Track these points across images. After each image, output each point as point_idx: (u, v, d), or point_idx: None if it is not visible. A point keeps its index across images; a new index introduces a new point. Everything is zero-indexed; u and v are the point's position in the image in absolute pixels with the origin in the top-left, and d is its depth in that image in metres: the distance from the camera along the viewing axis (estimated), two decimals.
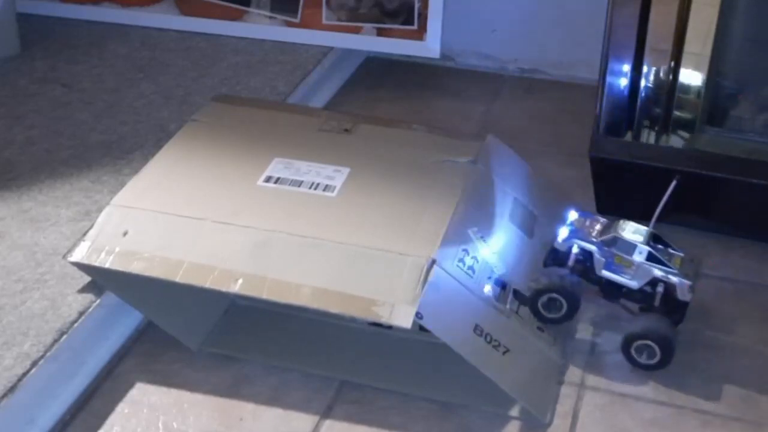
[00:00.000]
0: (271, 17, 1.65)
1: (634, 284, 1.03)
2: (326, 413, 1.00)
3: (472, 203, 1.06)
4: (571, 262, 1.05)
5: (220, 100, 1.28)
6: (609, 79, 1.22)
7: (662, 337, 1.02)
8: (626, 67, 1.21)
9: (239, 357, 1.07)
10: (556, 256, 1.07)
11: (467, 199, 1.05)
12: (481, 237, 1.04)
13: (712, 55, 1.19)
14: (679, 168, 1.19)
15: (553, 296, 1.03)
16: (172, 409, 1.00)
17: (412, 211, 1.03)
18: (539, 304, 1.04)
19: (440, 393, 1.02)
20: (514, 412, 0.99)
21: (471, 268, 1.01)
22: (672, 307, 1.04)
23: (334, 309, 0.94)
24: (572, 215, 1.08)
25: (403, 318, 0.91)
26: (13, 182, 1.23)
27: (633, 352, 1.03)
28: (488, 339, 0.97)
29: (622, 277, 1.03)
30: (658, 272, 1.02)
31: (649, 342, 1.02)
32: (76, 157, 1.29)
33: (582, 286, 1.06)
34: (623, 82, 1.22)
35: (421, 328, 0.94)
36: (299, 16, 1.63)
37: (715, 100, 1.23)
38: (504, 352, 0.98)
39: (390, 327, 1.02)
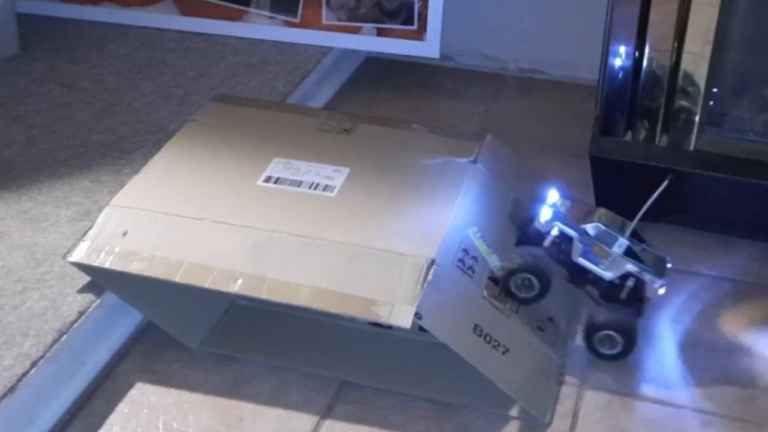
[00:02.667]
0: (270, 17, 1.65)
1: (608, 275, 1.03)
2: (326, 413, 1.00)
3: (472, 203, 1.06)
4: (547, 243, 1.05)
5: (220, 100, 1.28)
6: (609, 79, 1.22)
7: (626, 329, 1.03)
8: (626, 67, 1.21)
9: (239, 357, 1.07)
10: (531, 235, 1.06)
11: (467, 199, 1.05)
12: (481, 237, 1.04)
13: (712, 55, 1.19)
14: (679, 168, 1.19)
15: (527, 276, 1.03)
16: (172, 409, 1.00)
17: (412, 211, 1.03)
18: (512, 284, 1.03)
19: (440, 393, 1.02)
20: (514, 412, 0.99)
21: (471, 268, 1.01)
22: (635, 300, 1.04)
23: (334, 309, 0.94)
24: (553, 195, 1.07)
25: (402, 318, 0.91)
26: (13, 182, 1.23)
27: (595, 342, 1.03)
28: (488, 339, 0.97)
29: (597, 266, 1.03)
30: (633, 267, 1.02)
31: (612, 333, 1.02)
32: (76, 157, 1.29)
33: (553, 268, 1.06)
34: (623, 82, 1.22)
35: (421, 328, 0.94)
36: (299, 16, 1.63)
37: (715, 100, 1.23)
38: (504, 352, 0.98)
39: (390, 327, 1.02)
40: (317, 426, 0.99)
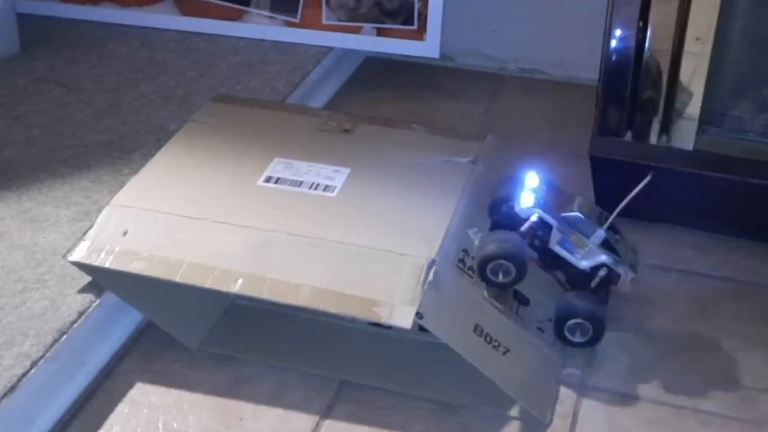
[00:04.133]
0: (270, 17, 1.65)
1: (583, 264, 1.03)
2: (326, 413, 1.00)
3: (472, 203, 1.06)
4: (524, 228, 1.04)
5: (220, 100, 1.28)
6: (609, 79, 1.22)
7: (597, 317, 1.03)
8: (626, 67, 1.21)
9: (239, 357, 1.07)
10: (505, 218, 1.05)
11: (467, 199, 1.06)
12: (481, 237, 1.04)
13: (712, 55, 1.19)
14: (679, 168, 1.19)
15: (504, 263, 1.01)
16: (172, 409, 1.00)
17: (412, 211, 1.03)
18: (488, 270, 1.01)
19: (440, 393, 1.02)
20: (514, 412, 0.99)
21: (471, 268, 1.01)
22: (603, 289, 1.05)
23: (334, 309, 0.94)
24: (532, 180, 1.05)
25: (403, 318, 0.91)
26: (13, 182, 1.23)
27: (566, 330, 1.04)
28: (488, 339, 0.98)
29: (572, 255, 1.03)
30: (608, 259, 1.02)
31: (583, 321, 1.03)
32: (76, 157, 1.29)
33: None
34: (623, 82, 1.22)
35: (421, 328, 0.94)
36: (299, 16, 1.63)
37: (715, 100, 1.23)
38: (504, 352, 0.98)
39: (390, 327, 1.02)
40: (317, 426, 0.99)
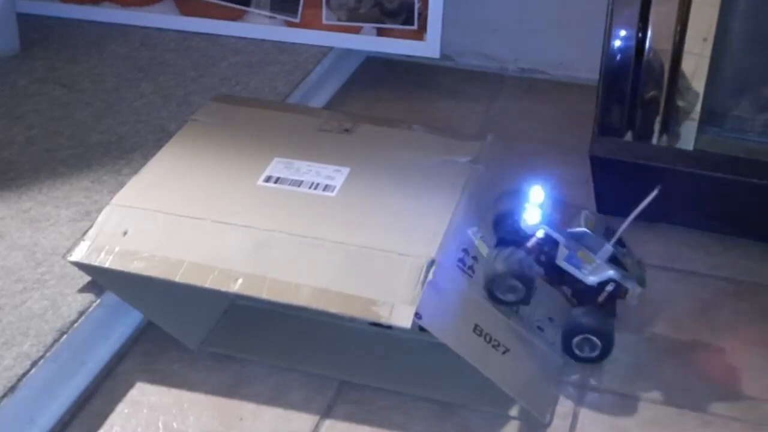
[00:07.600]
0: (271, 17, 1.65)
1: (591, 280, 1.02)
2: (326, 413, 1.00)
3: (472, 203, 1.06)
4: (530, 244, 1.03)
5: (220, 100, 1.28)
6: (609, 79, 1.22)
7: (605, 333, 1.03)
8: (626, 67, 1.21)
9: (239, 357, 1.07)
10: (514, 236, 1.04)
11: (467, 199, 1.05)
12: (481, 237, 1.04)
13: (712, 55, 1.19)
14: (679, 168, 1.19)
15: (514, 282, 1.01)
16: (172, 409, 1.00)
17: (412, 211, 1.03)
18: (497, 289, 1.01)
19: (440, 393, 1.02)
20: (514, 412, 0.99)
21: (471, 268, 1.01)
22: (609, 303, 1.05)
23: (334, 309, 0.94)
24: (538, 194, 1.04)
25: (402, 318, 0.91)
26: (13, 182, 1.23)
27: (574, 346, 1.03)
28: (488, 339, 0.98)
29: (580, 271, 1.03)
30: (616, 275, 1.02)
31: (591, 337, 1.03)
32: (76, 157, 1.29)
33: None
34: (623, 82, 1.22)
35: (422, 328, 0.94)
36: (299, 15, 1.63)
37: (715, 100, 1.23)
38: (504, 352, 0.98)
39: (390, 327, 1.02)
40: (317, 426, 0.99)
